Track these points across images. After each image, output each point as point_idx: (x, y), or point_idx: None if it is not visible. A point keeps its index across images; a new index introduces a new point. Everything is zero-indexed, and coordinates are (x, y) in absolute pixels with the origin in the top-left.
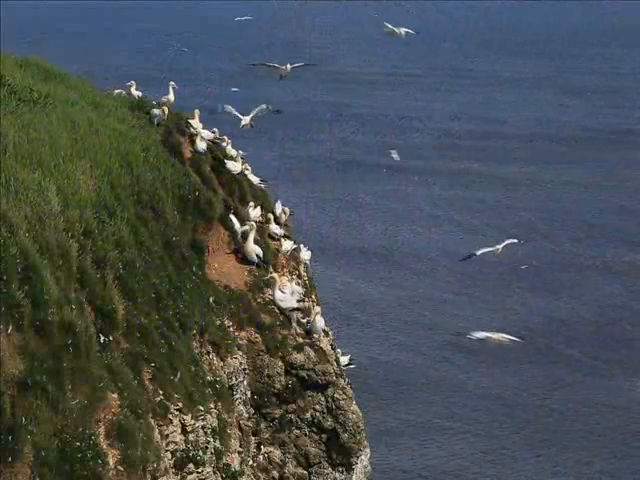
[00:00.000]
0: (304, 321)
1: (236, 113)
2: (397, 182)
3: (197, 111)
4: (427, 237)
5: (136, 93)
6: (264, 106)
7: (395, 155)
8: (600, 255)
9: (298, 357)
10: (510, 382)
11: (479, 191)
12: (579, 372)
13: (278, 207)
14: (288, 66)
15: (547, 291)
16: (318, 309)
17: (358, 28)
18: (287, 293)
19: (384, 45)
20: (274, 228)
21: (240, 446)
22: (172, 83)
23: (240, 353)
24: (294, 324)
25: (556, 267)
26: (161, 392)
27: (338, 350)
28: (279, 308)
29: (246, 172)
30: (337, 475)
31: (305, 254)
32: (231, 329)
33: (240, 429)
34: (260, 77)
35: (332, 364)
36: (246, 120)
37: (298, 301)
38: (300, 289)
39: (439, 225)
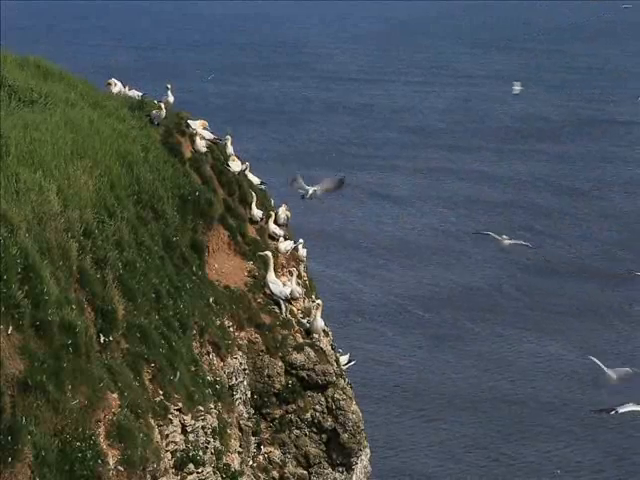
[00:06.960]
0: (304, 321)
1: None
2: (382, 174)
3: (204, 121)
4: (415, 229)
5: (135, 94)
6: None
7: (517, 88)
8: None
9: (298, 357)
10: (513, 384)
11: (462, 184)
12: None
13: (282, 214)
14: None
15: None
16: (319, 302)
17: (346, 26)
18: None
19: (369, 43)
20: (274, 228)
21: (240, 446)
22: (169, 85)
23: (240, 353)
24: (284, 309)
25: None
26: (161, 392)
27: (339, 350)
28: (270, 291)
29: (246, 172)
30: (337, 475)
31: (301, 251)
32: (231, 329)
33: (240, 429)
34: (254, 75)
35: (332, 364)
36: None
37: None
38: (300, 289)
39: (424, 215)
